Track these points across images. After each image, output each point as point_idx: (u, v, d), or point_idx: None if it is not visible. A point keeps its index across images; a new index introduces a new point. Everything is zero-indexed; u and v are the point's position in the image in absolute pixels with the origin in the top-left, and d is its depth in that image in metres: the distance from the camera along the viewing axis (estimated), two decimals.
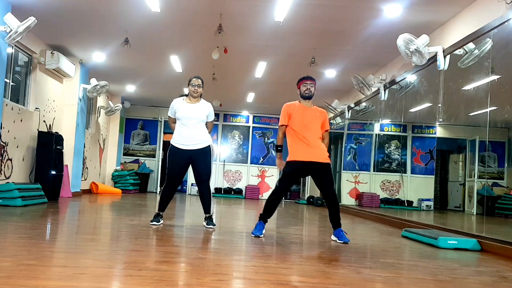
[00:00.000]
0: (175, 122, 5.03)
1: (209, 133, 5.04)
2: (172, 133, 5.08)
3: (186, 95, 5.06)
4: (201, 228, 5.04)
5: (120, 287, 2.38)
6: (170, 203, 5.19)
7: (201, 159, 4.92)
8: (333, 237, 4.57)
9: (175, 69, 9.11)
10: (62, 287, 2.23)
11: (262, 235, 4.55)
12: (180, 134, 4.91)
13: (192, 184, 13.69)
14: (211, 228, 5.01)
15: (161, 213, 5.07)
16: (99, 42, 7.86)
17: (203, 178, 4.96)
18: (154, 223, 4.96)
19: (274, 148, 4.32)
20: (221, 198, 12.88)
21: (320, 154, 4.47)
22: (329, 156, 4.62)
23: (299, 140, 4.49)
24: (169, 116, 5.07)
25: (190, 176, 13.03)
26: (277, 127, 4.69)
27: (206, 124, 5.02)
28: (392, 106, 8.61)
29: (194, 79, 4.95)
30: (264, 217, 4.65)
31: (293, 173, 4.56)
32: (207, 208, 5.07)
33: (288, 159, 4.54)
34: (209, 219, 5.10)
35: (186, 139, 4.88)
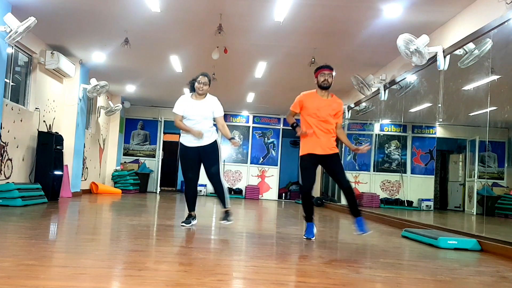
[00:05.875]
0: (181, 120, 4.91)
1: (225, 128, 4.94)
2: (175, 132, 5.07)
3: (193, 90, 4.96)
4: (201, 228, 5.04)
5: (120, 287, 2.38)
6: (184, 202, 5.13)
7: (209, 154, 4.89)
8: (353, 227, 4.55)
9: (175, 69, 9.11)
10: (62, 287, 2.23)
11: (313, 237, 4.52)
12: (187, 132, 4.87)
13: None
14: (227, 223, 4.92)
15: (192, 214, 5.04)
16: (99, 42, 7.85)
17: (212, 171, 4.91)
18: (184, 224, 4.92)
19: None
20: None
21: (326, 146, 4.44)
22: (337, 146, 4.61)
23: (311, 133, 4.43)
24: (175, 114, 4.93)
25: None
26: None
27: (215, 120, 4.94)
28: (392, 106, 8.61)
29: (201, 76, 4.86)
30: (307, 218, 4.62)
31: (308, 165, 4.53)
32: (222, 202, 4.98)
33: (300, 153, 4.56)
34: (225, 214, 4.98)
35: (193, 141, 4.86)
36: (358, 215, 4.49)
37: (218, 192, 4.96)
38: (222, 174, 4.97)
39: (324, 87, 4.49)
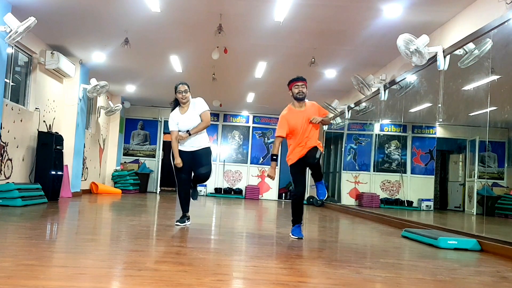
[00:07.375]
0: (177, 137, 4.95)
1: (207, 122, 4.97)
2: None
3: (178, 104, 5.04)
4: (201, 228, 5.04)
5: (120, 287, 2.38)
6: (176, 203, 5.21)
7: (202, 156, 4.98)
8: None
9: (175, 69, 9.11)
10: (62, 287, 2.23)
11: (302, 237, 4.56)
12: (180, 143, 4.96)
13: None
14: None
15: (186, 214, 5.12)
16: (99, 42, 7.85)
17: (203, 171, 4.96)
18: (178, 223, 5.00)
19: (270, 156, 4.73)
20: (221, 198, 12.87)
21: (309, 146, 4.55)
22: (322, 146, 4.71)
23: (297, 144, 4.58)
24: (172, 131, 4.97)
25: None
26: (277, 127, 4.70)
27: (200, 116, 4.96)
28: (392, 106, 8.61)
29: (179, 85, 4.95)
30: (295, 221, 4.66)
31: (297, 171, 4.65)
32: (197, 184, 5.19)
33: (289, 163, 4.66)
34: (194, 191, 5.17)
35: (186, 146, 4.97)
36: (319, 179, 4.78)
37: (199, 180, 5.06)
38: (209, 176, 5.11)
39: (299, 98, 4.58)
